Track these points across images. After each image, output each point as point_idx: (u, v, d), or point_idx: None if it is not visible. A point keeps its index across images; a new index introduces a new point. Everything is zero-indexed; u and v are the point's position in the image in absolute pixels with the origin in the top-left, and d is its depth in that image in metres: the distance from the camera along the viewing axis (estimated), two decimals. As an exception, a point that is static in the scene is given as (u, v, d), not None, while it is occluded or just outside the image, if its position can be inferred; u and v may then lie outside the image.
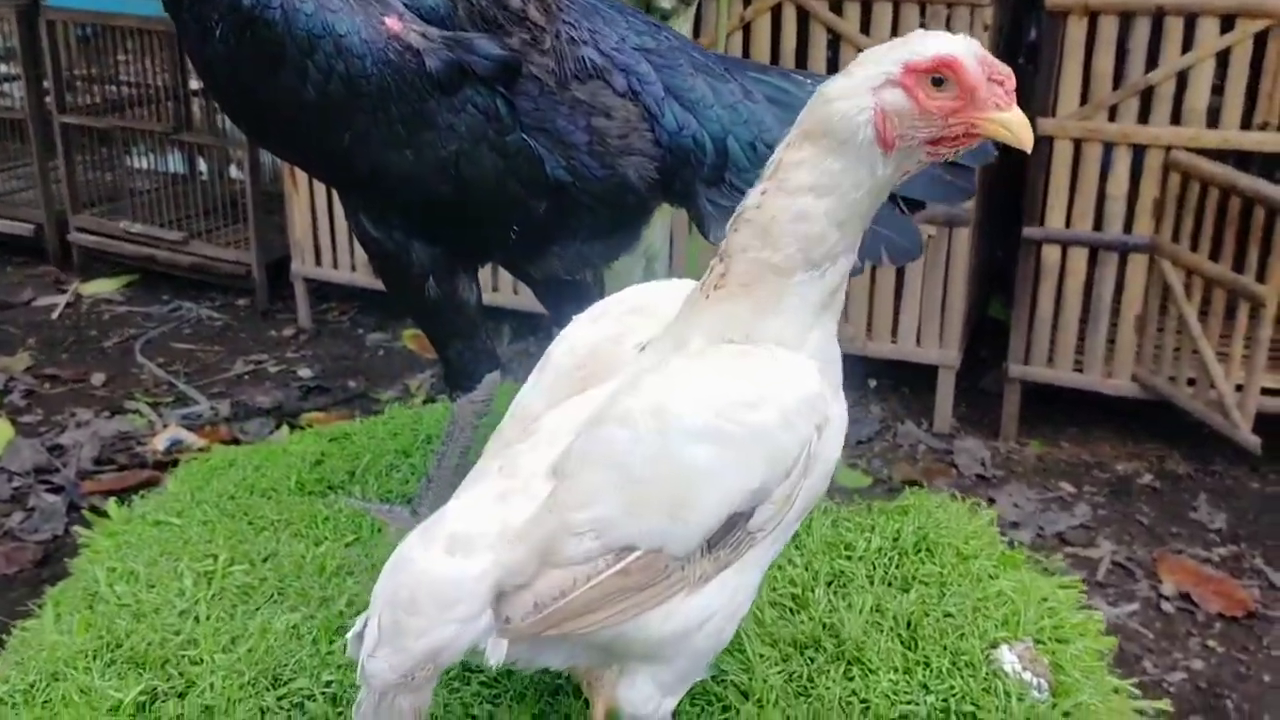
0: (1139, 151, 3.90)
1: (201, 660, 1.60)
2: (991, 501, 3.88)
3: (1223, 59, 3.75)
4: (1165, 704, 1.81)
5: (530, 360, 1.39)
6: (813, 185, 1.16)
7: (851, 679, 1.60)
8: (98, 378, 4.80)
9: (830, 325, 1.25)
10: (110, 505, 2.10)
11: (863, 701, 1.57)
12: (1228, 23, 3.69)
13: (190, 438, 4.21)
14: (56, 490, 3.91)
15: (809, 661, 1.63)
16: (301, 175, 4.92)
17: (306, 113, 1.61)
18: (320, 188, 4.95)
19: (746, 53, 4.18)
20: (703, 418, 1.16)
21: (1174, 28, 3.75)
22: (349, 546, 1.88)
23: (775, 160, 1.19)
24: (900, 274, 4.17)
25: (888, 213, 1.78)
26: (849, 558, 1.86)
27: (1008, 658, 1.65)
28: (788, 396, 1.18)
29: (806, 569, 1.81)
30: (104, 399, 4.62)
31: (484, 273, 1.92)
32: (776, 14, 4.12)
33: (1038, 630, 1.72)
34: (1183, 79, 3.79)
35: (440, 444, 1.96)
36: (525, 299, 4.30)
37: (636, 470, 1.16)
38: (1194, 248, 3.83)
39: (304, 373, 4.87)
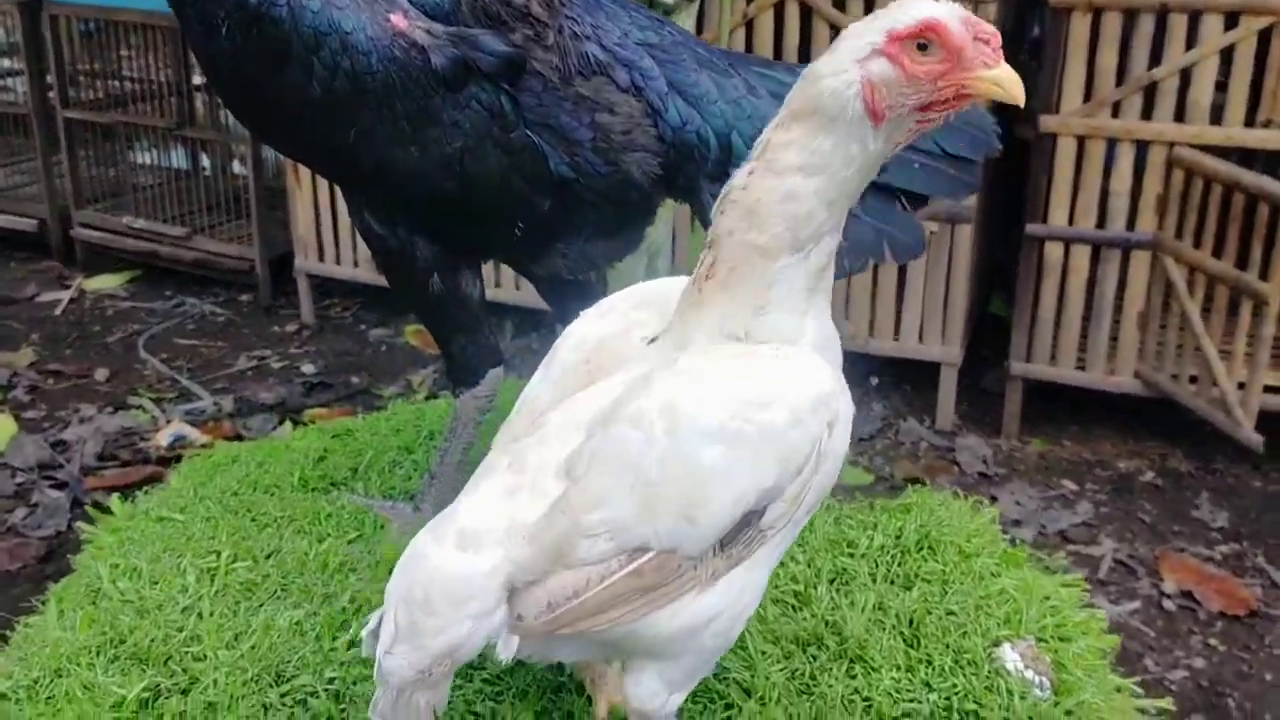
0: (1142, 148, 3.89)
1: (204, 657, 1.60)
2: (993, 499, 3.88)
3: (1227, 56, 3.74)
4: (1167, 702, 1.82)
5: (533, 356, 1.39)
6: (802, 165, 1.16)
7: (854, 677, 1.60)
8: (101, 373, 4.80)
9: (823, 306, 1.25)
10: (113, 501, 2.10)
11: (865, 699, 1.57)
12: (1232, 19, 3.69)
13: (193, 433, 4.21)
14: (60, 486, 3.91)
15: (811, 659, 1.63)
16: (304, 171, 4.92)
17: (312, 109, 1.61)
18: (323, 183, 4.95)
19: (749, 49, 4.17)
20: (715, 418, 1.16)
21: (1178, 24, 3.74)
22: (351, 543, 1.88)
23: (763, 141, 1.19)
24: (902, 271, 4.17)
25: (890, 209, 1.78)
26: (851, 555, 1.86)
27: (1010, 656, 1.65)
28: (799, 395, 1.18)
29: (809, 566, 1.82)
30: (107, 394, 4.63)
31: (486, 268, 1.92)
32: (779, 10, 4.11)
33: (1040, 628, 1.73)
34: (1186, 76, 3.78)
35: (443, 440, 1.96)
36: (528, 295, 4.30)
37: (649, 472, 1.17)
38: (1197, 245, 3.82)
39: (307, 368, 4.87)
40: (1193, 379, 3.94)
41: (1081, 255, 4.05)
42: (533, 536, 1.19)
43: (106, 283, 5.75)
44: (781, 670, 1.60)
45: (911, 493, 2.07)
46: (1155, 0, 3.72)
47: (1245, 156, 3.91)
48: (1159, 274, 3.95)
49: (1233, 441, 3.84)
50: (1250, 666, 3.18)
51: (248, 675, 1.56)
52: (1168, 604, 3.41)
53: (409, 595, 1.19)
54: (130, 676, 1.57)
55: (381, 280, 1.93)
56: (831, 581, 1.79)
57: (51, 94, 5.82)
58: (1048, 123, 3.93)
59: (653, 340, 1.30)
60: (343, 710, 1.52)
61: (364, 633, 1.25)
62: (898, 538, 1.90)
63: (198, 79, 5.53)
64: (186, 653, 1.61)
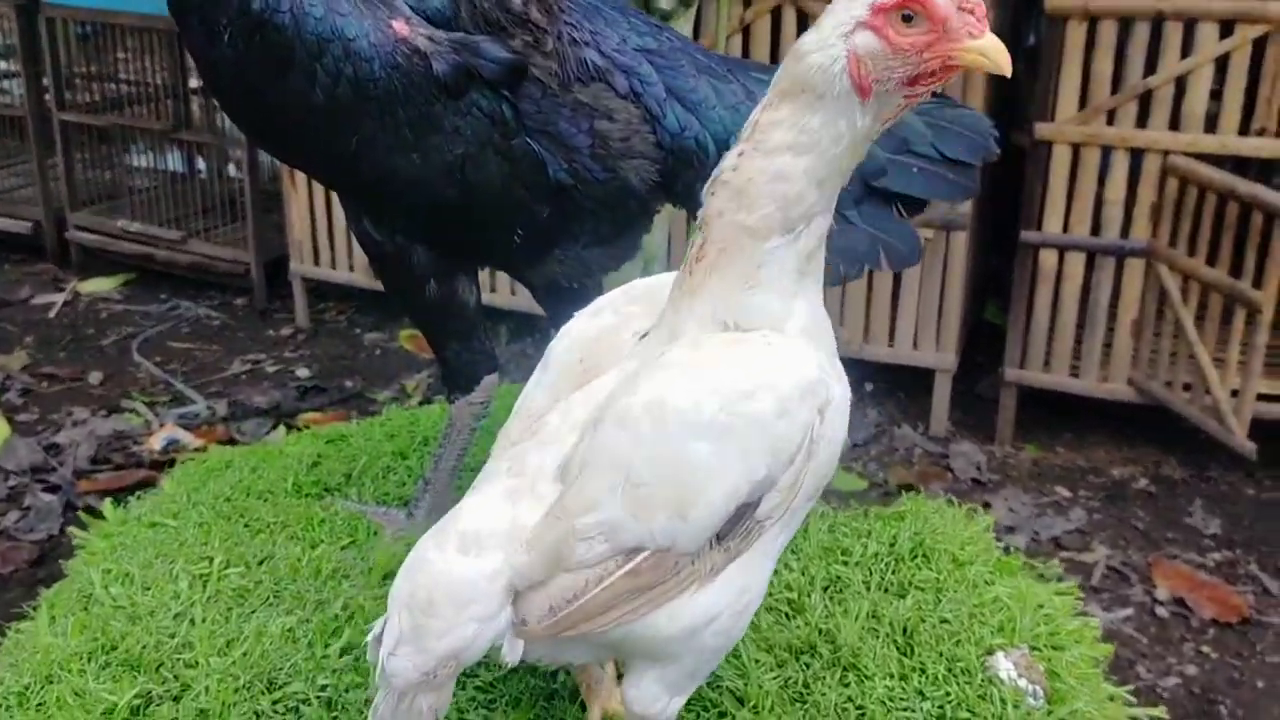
0: (1137, 156, 3.90)
1: (196, 663, 1.59)
2: (987, 506, 3.88)
3: (1221, 64, 3.75)
4: (1160, 711, 1.82)
5: (528, 361, 1.39)
6: (791, 144, 1.15)
7: (847, 685, 1.60)
8: (95, 376, 4.79)
9: (814, 292, 1.23)
10: (106, 506, 2.10)
11: (859, 708, 1.56)
12: (1227, 28, 3.70)
13: (187, 437, 4.20)
14: (53, 489, 3.91)
15: (805, 667, 1.62)
16: (300, 175, 4.92)
17: (314, 116, 1.61)
18: (319, 188, 4.95)
19: (746, 54, 4.18)
20: (700, 413, 1.15)
21: (1173, 32, 3.75)
22: (345, 549, 1.88)
23: (752, 121, 1.18)
24: (897, 278, 4.17)
25: (887, 216, 1.78)
26: (845, 563, 1.86)
27: (1003, 664, 1.65)
28: (785, 384, 1.17)
29: (803, 574, 1.81)
30: (101, 398, 4.62)
31: (482, 274, 1.92)
32: (776, 16, 4.12)
33: (1033, 637, 1.72)
34: (1181, 84, 3.80)
35: (438, 446, 1.96)
36: (523, 300, 4.29)
37: (638, 471, 1.16)
38: (1191, 253, 3.83)
39: (301, 372, 4.87)
40: (1186, 386, 3.95)
41: (1076, 262, 4.05)
42: (530, 543, 1.19)
43: (101, 285, 5.74)
44: (775, 679, 1.59)
45: (905, 500, 2.06)
46: (1151, 8, 3.73)
47: (1239, 164, 3.92)
48: (1153, 281, 3.95)
49: (1226, 449, 3.85)
50: (1242, 674, 3.18)
51: (239, 682, 1.55)
52: (1160, 611, 3.42)
53: (412, 599, 1.19)
54: (122, 683, 1.56)
55: (376, 284, 1.93)
56: (825, 589, 1.79)
57: (47, 96, 5.82)
58: (1043, 130, 3.94)
59: (644, 335, 1.30)
60: (335, 718, 1.52)
61: (368, 639, 1.25)
62: (891, 545, 1.90)
63: (194, 82, 5.52)
64: (178, 659, 1.60)
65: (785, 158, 1.15)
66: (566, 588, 1.18)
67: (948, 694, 1.59)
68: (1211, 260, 3.79)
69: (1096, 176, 3.96)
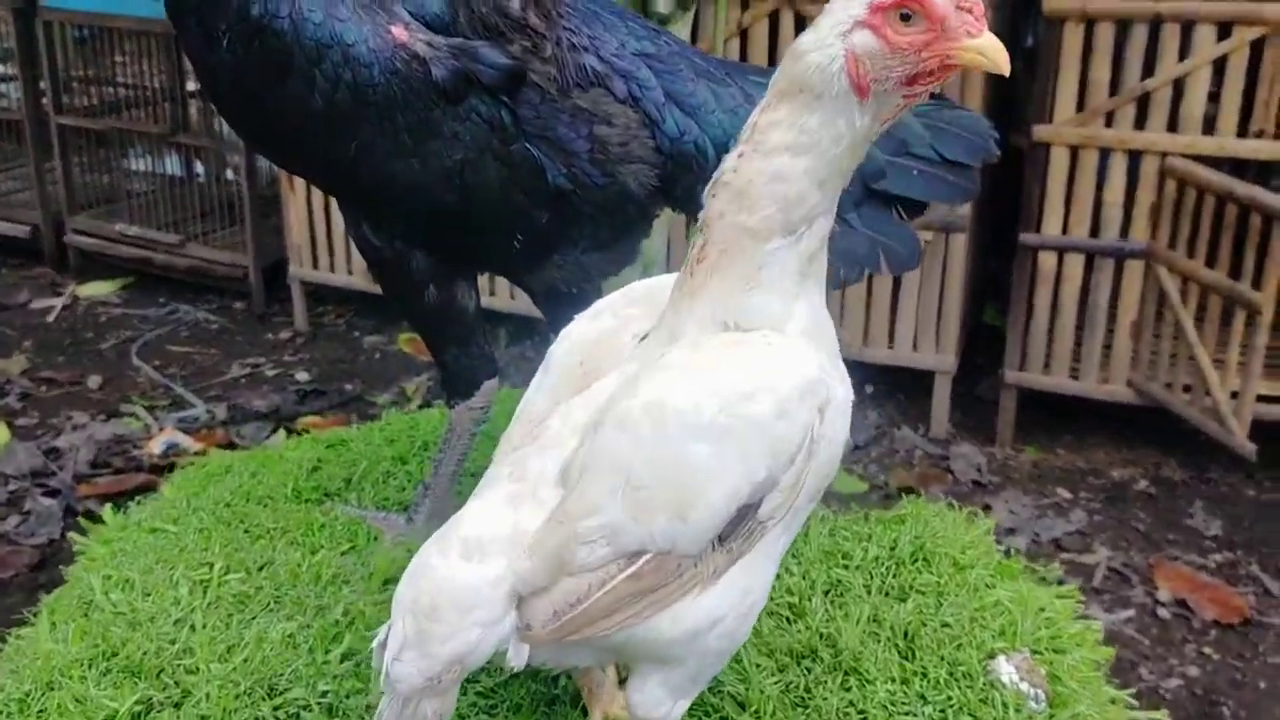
0: (1135, 158, 3.90)
1: (197, 670, 1.59)
2: (988, 508, 3.88)
3: (1219, 66, 3.75)
4: (1163, 714, 1.82)
5: (527, 364, 1.39)
6: (790, 144, 1.14)
7: (849, 689, 1.60)
8: (94, 380, 4.79)
9: (816, 293, 1.23)
10: (106, 512, 2.09)
11: (860, 712, 1.56)
12: (1225, 30, 3.70)
13: (186, 441, 4.20)
14: (52, 494, 3.90)
15: (806, 672, 1.62)
16: (299, 178, 4.91)
17: (313, 122, 1.60)
18: (317, 191, 4.94)
19: (744, 58, 4.18)
20: (699, 414, 1.15)
21: (1171, 35, 3.75)
22: (345, 555, 1.88)
23: (751, 123, 1.18)
24: (897, 280, 4.17)
25: (887, 219, 1.78)
26: (846, 567, 1.86)
27: (1005, 668, 1.65)
28: (784, 384, 1.16)
29: (804, 578, 1.81)
30: (100, 402, 4.62)
31: (481, 277, 1.92)
32: (774, 19, 4.12)
33: (1035, 640, 1.72)
34: (1179, 86, 3.80)
35: (437, 451, 1.96)
36: (522, 302, 4.29)
37: (638, 473, 1.16)
38: (1190, 254, 3.83)
39: (301, 376, 4.86)
40: (1186, 388, 3.95)
41: (1075, 264, 4.06)
42: (533, 548, 1.19)
43: (99, 289, 5.74)
44: (776, 683, 1.59)
45: (906, 504, 2.06)
46: (1149, 10, 3.74)
47: (1237, 166, 3.92)
48: (1152, 283, 3.96)
49: (1226, 450, 3.85)
50: (1244, 675, 3.18)
51: (240, 689, 1.55)
52: (1162, 612, 3.42)
53: (416, 604, 1.19)
54: (122, 690, 1.55)
55: (375, 287, 1.93)
56: (826, 593, 1.79)
57: (45, 100, 5.82)
58: (1041, 132, 3.94)
59: (644, 337, 1.29)
60: (336, 723, 1.52)
61: (373, 644, 1.25)
62: (892, 549, 1.90)
63: (192, 86, 5.52)
64: (179, 665, 1.60)
65: (784, 158, 1.15)
66: (569, 592, 1.18)
67: (949, 698, 1.59)
68: (1211, 262, 3.79)
69: (1095, 178, 3.97)
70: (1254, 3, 3.66)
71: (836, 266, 1.67)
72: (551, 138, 1.69)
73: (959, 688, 1.61)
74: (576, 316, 1.38)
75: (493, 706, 1.55)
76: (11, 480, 3.97)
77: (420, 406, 4.48)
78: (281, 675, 1.58)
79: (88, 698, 1.54)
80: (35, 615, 1.81)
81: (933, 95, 1.15)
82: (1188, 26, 3.74)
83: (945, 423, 4.37)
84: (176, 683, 1.57)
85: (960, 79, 3.85)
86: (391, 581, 1.77)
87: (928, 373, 4.32)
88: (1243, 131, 3.80)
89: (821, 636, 1.68)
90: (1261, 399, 3.83)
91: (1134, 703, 1.77)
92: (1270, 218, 3.59)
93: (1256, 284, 3.66)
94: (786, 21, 4.09)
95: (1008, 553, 2.00)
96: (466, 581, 1.18)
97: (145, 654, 1.61)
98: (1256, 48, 3.70)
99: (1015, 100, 4.68)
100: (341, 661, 1.61)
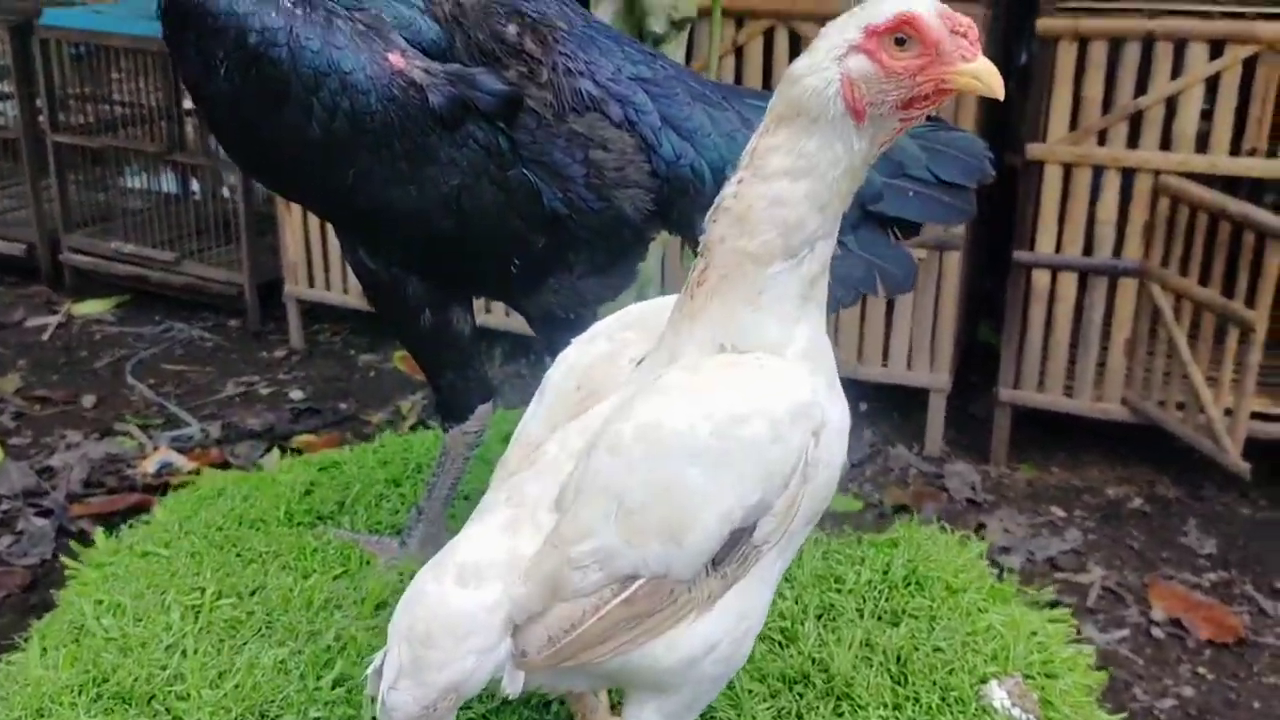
0: (1128, 176, 3.91)
1: (188, 696, 1.59)
2: (982, 526, 3.88)
3: (1212, 85, 3.77)
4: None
5: (522, 383, 1.39)
6: (789, 169, 1.15)
7: (841, 715, 1.60)
8: (88, 399, 4.78)
9: (817, 317, 1.23)
10: (98, 535, 2.09)
11: (852, 738, 1.56)
12: (1217, 49, 3.72)
13: (180, 460, 4.19)
14: (45, 513, 3.89)
15: (798, 697, 1.62)
16: (294, 197, 4.91)
17: (310, 150, 1.61)
18: (312, 209, 4.94)
19: (739, 75, 4.19)
20: (691, 437, 1.15)
21: (1164, 53, 3.77)
22: (337, 579, 1.87)
23: (750, 148, 1.18)
24: (891, 298, 4.18)
25: (883, 241, 1.79)
26: (839, 591, 1.86)
27: (997, 694, 1.64)
28: (777, 407, 1.16)
29: (796, 602, 1.81)
30: (94, 421, 4.61)
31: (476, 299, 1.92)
32: (769, 37, 4.14)
33: (1027, 665, 1.72)
34: (1172, 104, 3.81)
35: (431, 474, 1.95)
36: (517, 321, 4.30)
37: (631, 497, 1.16)
38: (1183, 272, 3.84)
39: (295, 394, 4.86)
40: (1180, 406, 3.95)
41: (1068, 282, 4.06)
42: (528, 574, 1.19)
43: (95, 307, 5.74)
44: (768, 709, 1.59)
45: (899, 526, 2.06)
46: (1141, 29, 3.75)
47: (1230, 184, 3.93)
48: (1146, 301, 3.96)
49: (1220, 468, 3.85)
50: (1238, 695, 3.18)
51: (232, 715, 1.55)
52: (1156, 632, 3.41)
53: (411, 631, 1.19)
54: (113, 716, 1.55)
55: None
56: (819, 617, 1.79)
57: (41, 117, 5.82)
58: (1034, 150, 3.95)
59: (640, 361, 1.30)
60: (327, 751, 1.51)
61: (368, 671, 1.25)
62: (885, 573, 1.90)
63: (188, 104, 5.53)
64: (170, 692, 1.60)
65: (783, 182, 1.15)
66: (564, 617, 1.18)
67: (942, 724, 1.59)
68: (1204, 280, 3.80)
69: (1088, 197, 3.98)
70: (1246, 21, 3.68)
71: (833, 290, 1.68)
72: (548, 162, 1.69)
73: (951, 713, 1.61)
74: (572, 341, 1.39)
75: (485, 730, 1.55)
76: (4, 500, 3.96)
77: (414, 425, 4.48)
78: (273, 702, 1.58)
79: (78, 725, 1.54)
80: (26, 640, 1.80)
81: (929, 117, 1.15)
82: (1180, 45, 3.75)
83: (940, 441, 4.37)
84: (168, 709, 1.57)
85: (955, 99, 3.86)
86: (384, 606, 1.77)
87: (922, 390, 4.33)
88: (1235, 149, 3.81)
89: (814, 661, 1.68)
90: (1255, 417, 3.83)
91: (1127, 727, 1.76)
92: (1263, 235, 3.60)
93: (1250, 302, 3.67)
94: (781, 39, 4.11)
95: (1001, 575, 2.00)
96: (462, 608, 1.18)
97: (136, 680, 1.61)
98: (1249, 66, 3.72)
99: (1009, 118, 4.70)
100: (333, 688, 1.60)
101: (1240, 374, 3.75)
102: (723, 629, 1.21)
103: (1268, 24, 3.65)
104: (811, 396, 1.19)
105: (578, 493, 1.19)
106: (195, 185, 5.82)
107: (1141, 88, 3.82)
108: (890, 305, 4.21)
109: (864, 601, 1.83)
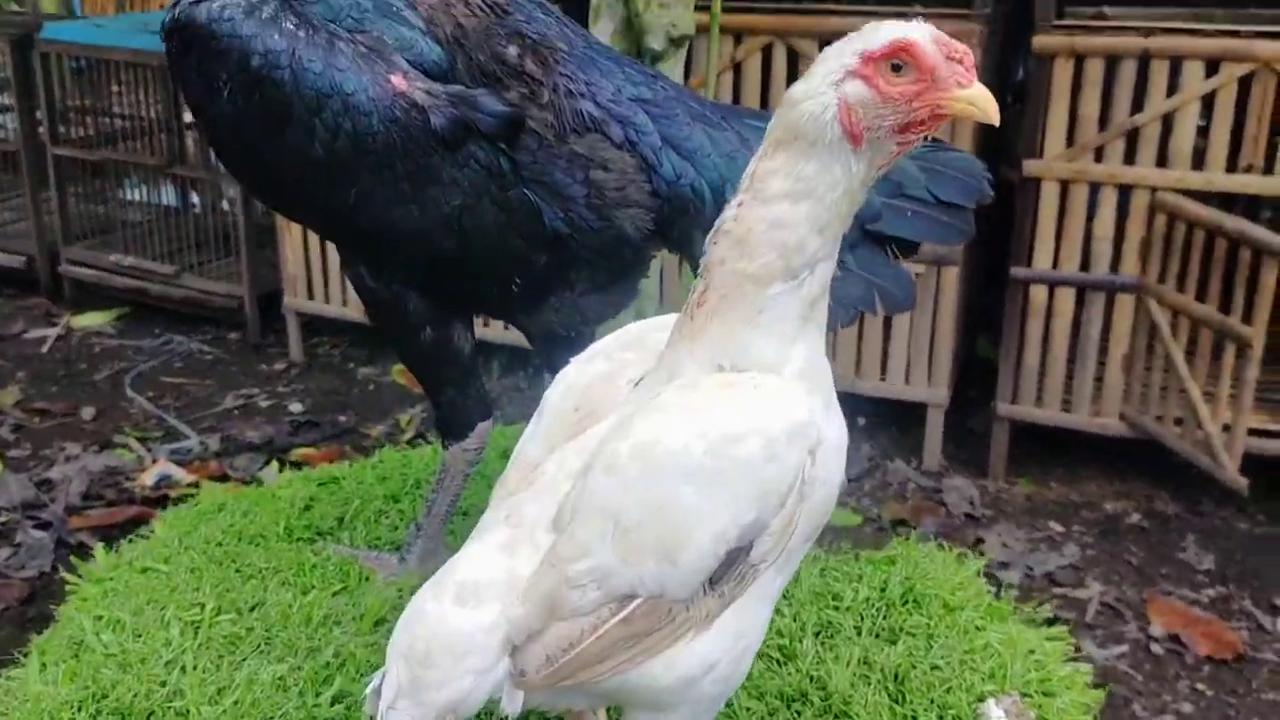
0: (1125, 192, 3.93)
1: (188, 712, 1.59)
2: (980, 541, 3.88)
3: (1208, 102, 3.79)
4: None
5: (520, 396, 1.39)
6: (788, 192, 1.15)
7: (839, 733, 1.60)
8: (87, 411, 4.78)
9: (816, 338, 1.24)
10: (98, 550, 2.09)
11: (850, 756, 1.57)
12: (1213, 67, 3.74)
13: (179, 473, 4.20)
14: (44, 526, 3.89)
15: (796, 715, 1.63)
16: (294, 210, 4.92)
17: (313, 171, 1.62)
18: (312, 222, 4.95)
19: (737, 92, 4.21)
20: (686, 456, 1.16)
21: (1160, 71, 3.79)
22: (336, 595, 1.88)
23: (750, 172, 1.19)
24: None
25: (882, 261, 1.80)
26: (836, 608, 1.86)
27: (995, 712, 1.65)
28: (773, 426, 1.17)
29: (794, 620, 1.82)
30: (93, 433, 4.61)
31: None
32: (767, 53, 4.15)
33: (1025, 683, 1.73)
34: (1168, 121, 3.83)
35: (430, 491, 1.96)
36: (515, 334, 4.30)
37: (626, 516, 1.16)
38: (1180, 288, 3.86)
39: (294, 407, 4.86)
40: (1177, 421, 3.96)
41: (1066, 298, 4.07)
42: (526, 594, 1.19)
43: (94, 320, 5.74)
44: (767, 727, 1.59)
45: (896, 544, 2.07)
46: (1138, 47, 3.77)
47: (1226, 201, 3.95)
48: (1143, 317, 3.98)
49: (1218, 484, 3.86)
50: (1237, 711, 3.18)
51: (231, 732, 1.55)
52: (1155, 648, 3.41)
53: (410, 650, 1.20)
54: (112, 733, 1.56)
55: (370, 318, 1.93)
56: (816, 635, 1.79)
57: (41, 130, 5.83)
58: (1031, 167, 3.97)
59: (639, 382, 1.30)
60: (326, 768, 1.52)
61: (367, 690, 1.25)
62: (882, 590, 1.90)
63: (188, 117, 5.54)
64: (169, 708, 1.60)
65: (783, 205, 1.16)
66: (562, 637, 1.19)
67: (940, 742, 1.59)
68: (1201, 296, 3.81)
69: (1085, 213, 3.99)
70: (1242, 40, 3.70)
71: (832, 310, 1.69)
72: (548, 183, 1.70)
73: (949, 731, 1.61)
74: (571, 360, 1.39)
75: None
76: (3, 512, 3.96)
77: (413, 438, 4.48)
78: (272, 718, 1.58)
79: (77, 742, 1.54)
80: (25, 656, 1.81)
81: (927, 138, 1.17)
82: (1176, 63, 3.77)
83: (938, 455, 4.38)
84: (167, 726, 1.57)
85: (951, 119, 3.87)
86: (383, 622, 1.77)
87: (920, 405, 4.33)
88: (1231, 166, 3.83)
89: (811, 679, 1.68)
90: (1253, 433, 3.84)
91: (1124, 745, 1.77)
92: (1259, 252, 3.61)
93: (1247, 318, 3.68)
94: (779, 56, 4.13)
95: (998, 592, 2.00)
96: (460, 628, 1.19)
97: (135, 696, 1.61)
98: (1245, 84, 3.74)
99: (1006, 135, 4.71)
100: (332, 704, 1.61)
101: (1237, 389, 3.76)
102: (721, 648, 1.22)
103: (1264, 43, 3.67)
104: (808, 415, 1.20)
105: (575, 512, 1.20)
106: (195, 198, 5.83)
107: (1138, 105, 3.84)
108: (888, 320, 4.21)
109: (862, 619, 1.84)
